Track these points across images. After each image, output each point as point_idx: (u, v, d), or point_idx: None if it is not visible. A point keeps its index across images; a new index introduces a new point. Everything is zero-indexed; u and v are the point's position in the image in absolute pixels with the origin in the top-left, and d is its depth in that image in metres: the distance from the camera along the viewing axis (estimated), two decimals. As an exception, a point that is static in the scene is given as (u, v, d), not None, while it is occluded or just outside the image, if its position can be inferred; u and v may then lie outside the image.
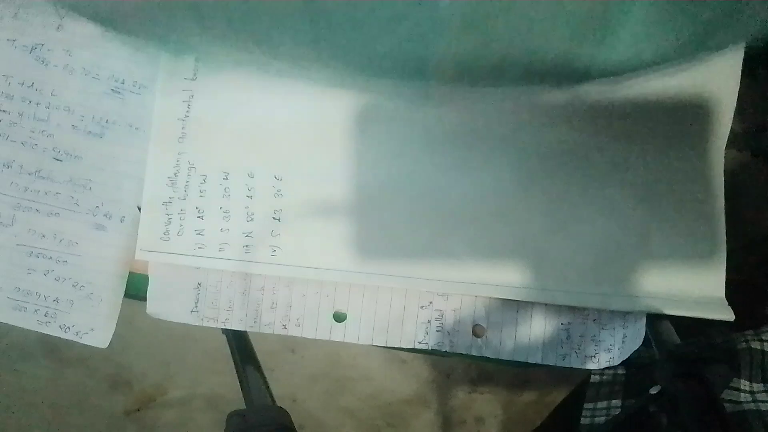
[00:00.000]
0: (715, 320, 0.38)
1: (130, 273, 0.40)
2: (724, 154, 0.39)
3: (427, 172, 0.39)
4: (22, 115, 0.39)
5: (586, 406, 0.53)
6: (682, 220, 0.39)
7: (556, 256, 0.39)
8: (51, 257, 0.39)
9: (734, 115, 0.39)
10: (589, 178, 0.39)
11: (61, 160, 0.39)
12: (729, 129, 0.39)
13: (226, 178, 0.40)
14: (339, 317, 0.41)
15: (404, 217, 0.39)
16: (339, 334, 0.41)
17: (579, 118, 0.38)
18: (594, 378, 0.54)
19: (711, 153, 0.39)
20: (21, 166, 0.39)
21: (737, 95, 0.38)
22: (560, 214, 0.39)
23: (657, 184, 0.39)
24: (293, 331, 0.40)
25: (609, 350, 0.41)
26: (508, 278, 0.39)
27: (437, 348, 0.42)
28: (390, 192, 0.39)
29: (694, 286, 0.39)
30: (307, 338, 0.40)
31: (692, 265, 0.39)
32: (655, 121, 0.38)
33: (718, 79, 0.38)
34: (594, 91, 0.38)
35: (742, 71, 0.38)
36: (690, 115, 0.38)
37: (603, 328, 0.42)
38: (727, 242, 0.39)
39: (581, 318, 0.42)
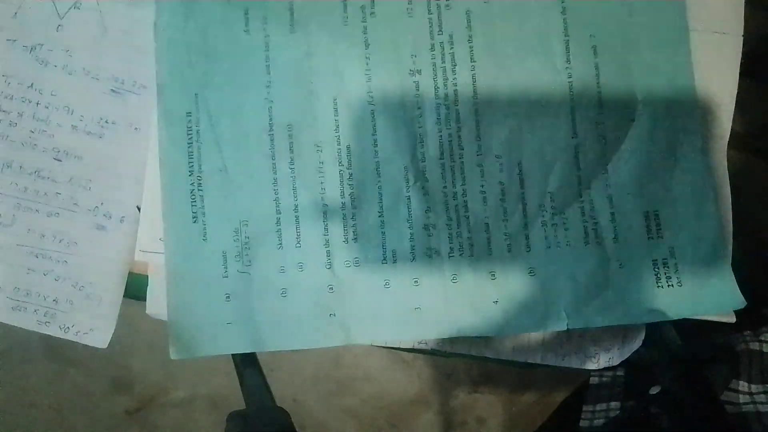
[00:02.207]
0: (716, 322, 0.38)
1: (130, 273, 0.40)
2: (726, 155, 0.39)
3: None
4: (21, 115, 0.39)
5: (585, 408, 0.53)
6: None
7: None
8: (51, 257, 0.39)
9: (734, 115, 0.38)
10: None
11: (61, 160, 0.39)
12: (729, 129, 0.38)
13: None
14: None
15: None
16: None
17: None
18: (593, 380, 0.54)
19: (713, 154, 0.38)
20: (21, 166, 0.39)
21: (737, 95, 0.38)
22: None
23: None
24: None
25: (609, 350, 0.41)
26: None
27: (438, 348, 0.42)
28: None
29: None
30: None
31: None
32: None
33: (717, 79, 0.38)
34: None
35: (742, 71, 0.38)
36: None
37: (603, 329, 0.42)
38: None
39: (581, 318, 0.42)
